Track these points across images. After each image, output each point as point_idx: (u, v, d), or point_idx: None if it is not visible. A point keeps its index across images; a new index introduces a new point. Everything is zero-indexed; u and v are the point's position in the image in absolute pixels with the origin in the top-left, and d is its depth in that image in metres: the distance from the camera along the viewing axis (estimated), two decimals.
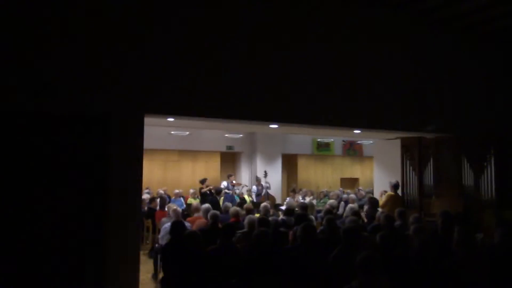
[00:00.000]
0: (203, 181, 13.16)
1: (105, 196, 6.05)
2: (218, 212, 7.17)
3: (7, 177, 5.63)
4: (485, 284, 4.25)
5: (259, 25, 7.34)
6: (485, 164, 9.28)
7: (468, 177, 9.48)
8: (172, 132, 14.44)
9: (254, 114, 7.45)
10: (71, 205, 5.90)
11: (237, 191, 13.65)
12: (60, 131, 5.91)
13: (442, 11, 8.48)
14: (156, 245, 8.10)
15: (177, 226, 5.54)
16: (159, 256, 6.98)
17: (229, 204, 8.91)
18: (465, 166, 9.52)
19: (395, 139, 10.95)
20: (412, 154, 10.26)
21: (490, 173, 9.20)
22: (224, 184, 13.61)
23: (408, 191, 10.29)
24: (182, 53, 6.71)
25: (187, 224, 7.04)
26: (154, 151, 15.09)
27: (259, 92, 7.31)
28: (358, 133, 10.26)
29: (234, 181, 13.80)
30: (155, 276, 7.74)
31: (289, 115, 7.72)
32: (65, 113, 5.90)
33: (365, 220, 9.13)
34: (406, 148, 10.39)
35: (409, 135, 10.06)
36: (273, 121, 8.11)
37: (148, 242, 10.19)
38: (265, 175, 13.45)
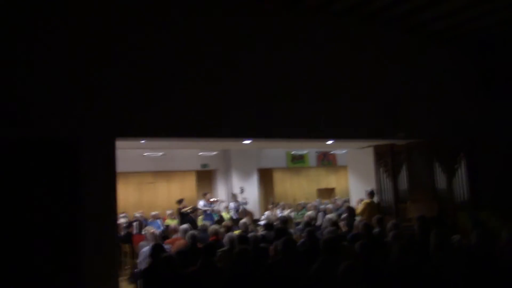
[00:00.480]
0: (180, 201, 13.03)
1: (80, 223, 5.93)
2: (195, 232, 7.09)
3: None
4: (464, 285, 4.32)
5: (230, 44, 7.39)
6: (456, 167, 9.49)
7: (441, 181, 9.67)
8: (145, 154, 14.28)
9: (227, 132, 7.46)
10: (44, 232, 5.75)
11: (215, 208, 13.56)
12: (30, 156, 5.78)
13: (411, 18, 8.64)
14: (136, 269, 7.95)
15: (157, 249, 5.46)
16: (139, 281, 6.84)
17: (207, 223, 8.85)
18: (437, 170, 9.72)
19: (368, 147, 11.10)
20: (386, 161, 10.42)
21: (461, 175, 9.41)
22: (201, 203, 13.50)
23: (384, 197, 10.42)
24: (153, 74, 6.69)
25: (166, 246, 6.94)
26: (128, 174, 14.87)
27: (231, 110, 7.33)
28: (331, 143, 10.37)
29: (211, 199, 13.69)
30: None
31: (262, 131, 7.75)
32: (35, 138, 5.78)
33: (344, 229, 9.19)
34: (379, 156, 10.55)
35: (381, 143, 10.22)
36: (246, 137, 8.14)
37: (127, 267, 9.99)
38: (241, 191, 13.42)
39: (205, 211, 12.83)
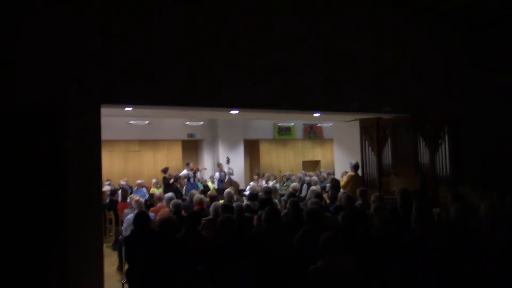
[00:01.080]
0: (165, 170, 13.03)
1: (64, 190, 5.92)
2: (179, 201, 7.12)
3: None
4: (443, 257, 4.43)
5: (219, 12, 7.28)
6: (440, 141, 9.61)
7: (424, 155, 9.79)
8: (131, 122, 14.18)
9: (214, 101, 7.42)
10: (30, 200, 5.73)
11: (198, 176, 13.59)
12: (14, 124, 5.70)
13: None
14: (120, 236, 8.00)
15: (141, 217, 5.47)
16: (123, 248, 6.89)
17: (194, 191, 8.88)
18: (421, 144, 9.83)
19: (354, 120, 11.15)
20: (371, 135, 10.49)
21: (444, 150, 9.54)
22: (184, 172, 13.53)
23: (368, 171, 10.53)
24: (139, 41, 6.58)
25: (151, 214, 6.96)
26: (113, 142, 14.81)
27: (218, 79, 7.28)
28: (318, 116, 10.38)
29: (193, 168, 13.69)
30: (120, 268, 7.65)
31: (248, 101, 7.73)
32: (18, 106, 5.69)
33: (328, 201, 9.31)
34: (365, 129, 10.60)
35: (367, 117, 10.27)
36: (233, 107, 8.11)
37: (111, 234, 10.04)
38: (228, 161, 13.45)
39: (188, 180, 12.86)
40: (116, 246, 8.55)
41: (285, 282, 4.06)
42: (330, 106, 8.72)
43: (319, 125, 18.86)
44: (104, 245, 6.91)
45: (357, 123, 10.84)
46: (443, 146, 9.57)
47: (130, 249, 5.39)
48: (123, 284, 5.61)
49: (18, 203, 5.66)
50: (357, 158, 10.56)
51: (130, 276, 5.10)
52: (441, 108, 9.76)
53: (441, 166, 9.55)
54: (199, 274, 4.50)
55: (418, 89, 9.64)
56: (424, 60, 9.81)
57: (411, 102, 9.60)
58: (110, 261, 8.00)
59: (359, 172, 10.14)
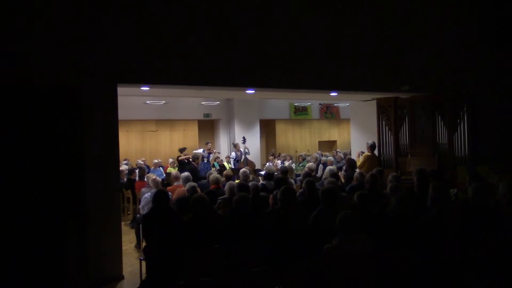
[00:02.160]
0: (182, 150, 13.10)
1: (82, 169, 6.01)
2: (195, 184, 7.15)
3: None
4: (459, 237, 4.40)
5: None
6: (459, 121, 9.46)
7: (442, 135, 9.67)
8: (148, 102, 14.24)
9: (230, 80, 7.40)
10: (48, 178, 5.84)
11: (211, 158, 13.63)
12: (32, 103, 5.78)
13: None
14: (137, 215, 8.11)
15: (160, 195, 5.52)
16: (140, 226, 6.99)
17: (212, 171, 8.92)
18: (439, 124, 9.70)
19: (371, 100, 11.03)
20: (388, 115, 10.38)
21: (463, 130, 9.40)
22: (199, 151, 13.58)
23: (385, 151, 10.46)
24: (155, 20, 6.56)
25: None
26: (130, 121, 14.91)
27: (235, 58, 7.25)
28: (335, 95, 10.29)
29: (210, 149, 13.74)
30: (138, 245, 7.78)
31: (266, 80, 7.69)
32: (36, 85, 5.76)
33: (343, 181, 9.28)
34: (382, 109, 10.50)
35: (385, 96, 10.15)
36: (250, 86, 8.07)
37: (129, 212, 10.19)
38: (244, 141, 13.45)
39: (202, 160, 12.91)
40: (134, 224, 8.68)
41: (300, 261, 4.08)
42: (347, 85, 8.64)
43: (335, 105, 18.71)
44: (122, 223, 7.03)
45: (374, 102, 10.73)
46: (461, 125, 9.43)
47: (148, 227, 5.46)
48: (140, 261, 5.71)
49: (37, 182, 5.78)
50: (373, 138, 10.48)
51: (147, 254, 5.18)
52: (460, 87, 9.59)
53: (459, 146, 9.43)
54: (215, 252, 4.55)
55: (437, 67, 9.48)
56: (443, 38, 9.61)
57: (429, 81, 9.46)
58: (128, 239, 8.13)
59: (376, 152, 10.07)
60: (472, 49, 9.98)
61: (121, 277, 6.27)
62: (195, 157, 12.28)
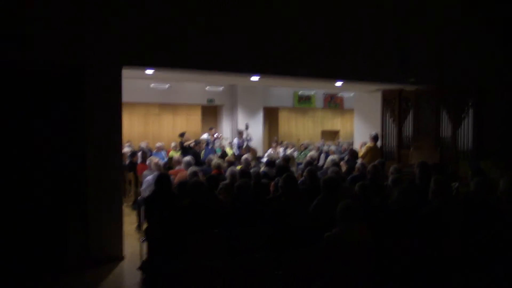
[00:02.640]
0: (182, 135, 13.11)
1: (85, 150, 6.03)
2: (197, 168, 7.17)
3: None
4: (460, 230, 4.42)
5: None
6: (463, 116, 9.44)
7: (446, 129, 9.65)
8: (152, 85, 14.22)
9: (235, 66, 7.38)
10: (51, 159, 5.86)
11: (217, 144, 13.64)
12: (36, 85, 5.79)
13: None
14: (139, 197, 8.15)
15: (162, 178, 5.55)
16: (142, 208, 7.04)
17: (212, 156, 8.94)
18: (444, 118, 9.67)
19: (376, 91, 10.99)
20: (392, 107, 10.35)
21: (467, 124, 9.37)
22: (204, 136, 13.59)
23: (387, 142, 10.45)
24: (162, 3, 6.53)
25: None
26: (134, 104, 14.91)
27: (240, 44, 7.21)
28: (339, 85, 10.25)
29: (215, 135, 13.75)
30: (139, 227, 7.83)
31: (270, 67, 7.66)
32: (41, 67, 5.75)
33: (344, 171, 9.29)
34: (387, 101, 10.47)
35: (390, 87, 10.11)
36: (255, 73, 8.05)
37: (130, 194, 10.24)
38: (247, 127, 13.43)
39: (207, 145, 12.92)
40: (135, 206, 8.73)
41: (300, 248, 4.11)
42: (352, 75, 8.60)
43: (339, 94, 18.66)
44: (124, 204, 7.06)
45: (378, 94, 10.70)
46: (466, 120, 9.40)
47: (149, 209, 5.49)
48: (141, 242, 5.75)
49: (39, 163, 5.80)
50: (377, 130, 10.47)
51: (148, 235, 5.22)
52: (466, 81, 9.54)
53: (462, 141, 9.42)
54: (215, 236, 4.58)
55: (444, 60, 9.41)
56: (450, 30, 9.53)
57: (435, 74, 9.40)
58: (129, 220, 8.19)
59: (378, 143, 10.06)
60: (480, 42, 9.89)
61: (122, 258, 6.32)
62: (197, 142, 12.29)
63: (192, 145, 12.33)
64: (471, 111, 9.34)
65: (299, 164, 11.14)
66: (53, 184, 5.89)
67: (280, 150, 14.04)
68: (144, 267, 5.38)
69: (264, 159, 11.10)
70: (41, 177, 5.81)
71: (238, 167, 7.72)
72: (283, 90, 17.22)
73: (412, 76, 9.02)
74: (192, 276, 3.74)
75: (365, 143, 11.01)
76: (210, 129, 13.82)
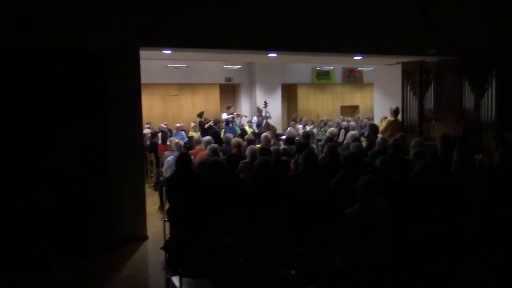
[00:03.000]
0: (200, 115, 13.15)
1: (107, 132, 6.09)
2: (217, 145, 7.21)
3: (5, 114, 5.64)
4: (484, 203, 4.35)
5: None
6: (486, 86, 9.21)
7: (468, 100, 9.45)
8: (170, 66, 14.22)
9: (253, 43, 7.31)
10: (73, 142, 5.94)
11: (237, 123, 13.66)
12: (55, 68, 5.84)
13: None
14: (160, 178, 8.25)
15: (183, 158, 5.57)
16: (164, 188, 7.12)
17: (230, 135, 8.95)
18: (466, 89, 9.47)
19: (396, 64, 10.80)
20: (413, 79, 10.17)
21: (490, 95, 9.16)
22: (224, 116, 13.61)
23: (408, 116, 10.30)
24: None
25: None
26: (153, 85, 14.96)
27: (257, 21, 7.12)
28: (358, 59, 10.09)
29: (234, 113, 13.76)
30: (161, 207, 7.94)
31: (288, 43, 7.57)
32: (59, 48, 5.79)
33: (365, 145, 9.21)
34: (407, 73, 10.28)
35: (410, 59, 9.91)
36: (272, 49, 7.97)
37: (152, 175, 10.36)
38: (265, 105, 13.38)
39: (227, 124, 12.95)
40: (157, 186, 8.84)
41: (321, 224, 4.11)
42: (372, 48, 8.44)
43: (359, 69, 18.39)
44: (146, 185, 7.15)
45: (398, 66, 10.50)
46: (489, 90, 9.18)
47: (171, 189, 5.54)
48: (164, 222, 5.84)
49: (63, 144, 5.89)
50: (397, 103, 10.31)
51: (171, 215, 5.29)
52: (489, 50, 9.27)
53: (486, 112, 9.22)
54: (237, 214, 4.61)
55: (465, 30, 9.14)
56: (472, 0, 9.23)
57: (457, 44, 9.16)
58: (152, 201, 8.31)
59: (399, 117, 9.93)
60: (502, 11, 9.56)
61: (145, 237, 6.44)
62: (217, 121, 12.32)
63: (211, 124, 12.38)
64: (494, 81, 9.10)
65: (319, 140, 11.09)
66: (76, 167, 5.99)
67: (300, 127, 13.98)
68: (167, 246, 5.48)
69: (284, 137, 11.08)
70: (64, 160, 5.90)
71: (258, 146, 7.72)
72: (301, 66, 17.04)
73: (433, 47, 8.81)
74: (215, 255, 3.78)
75: (385, 118, 10.88)
76: (228, 108, 13.83)
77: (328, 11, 7.75)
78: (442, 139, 6.23)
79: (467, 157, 4.62)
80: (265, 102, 13.55)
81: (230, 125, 13.02)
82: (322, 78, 18.21)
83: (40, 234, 5.67)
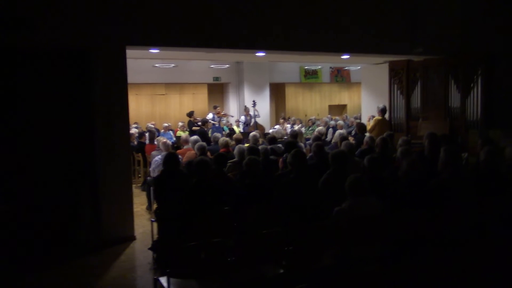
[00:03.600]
0: (190, 114, 13.12)
1: (93, 131, 6.03)
2: (205, 144, 7.19)
3: None
4: (470, 200, 4.39)
5: None
6: (472, 85, 9.31)
7: (454, 99, 9.54)
8: (157, 65, 14.15)
9: (240, 42, 7.29)
10: (59, 141, 5.87)
11: (224, 122, 13.65)
12: (41, 66, 5.76)
13: None
14: (148, 177, 8.20)
15: (171, 158, 5.54)
16: (151, 188, 7.08)
17: (218, 134, 8.93)
18: (452, 88, 9.55)
19: (383, 63, 10.85)
20: (400, 78, 10.24)
21: (476, 93, 9.25)
22: (209, 116, 13.58)
23: (396, 115, 10.37)
24: None
25: None
26: (140, 85, 14.88)
27: (245, 20, 7.11)
28: (346, 58, 10.13)
29: (221, 113, 13.74)
30: (149, 207, 7.89)
31: (275, 42, 7.56)
32: (46, 48, 5.71)
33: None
34: (394, 72, 10.34)
35: (397, 59, 9.97)
36: (259, 49, 7.96)
37: (140, 175, 10.30)
38: (254, 104, 13.37)
39: (213, 124, 12.94)
40: (145, 187, 8.78)
41: (310, 223, 4.11)
42: (359, 47, 8.47)
43: (346, 68, 18.48)
44: (133, 185, 7.10)
45: (386, 66, 10.57)
46: (475, 89, 9.27)
47: (159, 189, 5.51)
48: (152, 222, 5.80)
49: (48, 144, 5.82)
50: (384, 102, 10.38)
51: (158, 215, 5.25)
52: (476, 49, 9.35)
53: (471, 110, 9.31)
54: (225, 214, 4.59)
55: (452, 29, 9.22)
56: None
57: (444, 43, 9.23)
58: (140, 201, 8.26)
59: (386, 116, 9.99)
60: (488, 11, 9.65)
61: (133, 238, 6.39)
62: (204, 121, 12.30)
63: (198, 124, 12.36)
64: (479, 80, 9.20)
65: (307, 139, 11.11)
66: (62, 167, 5.92)
67: (288, 126, 14.00)
68: (155, 246, 5.44)
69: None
70: (50, 160, 5.83)
71: (246, 145, 7.71)
72: (289, 65, 17.07)
73: (420, 46, 8.87)
74: (203, 254, 3.76)
75: (373, 116, 10.94)
76: (215, 107, 13.79)
77: (317, 10, 7.76)
78: (429, 138, 6.27)
79: (454, 156, 4.65)
80: (253, 101, 13.55)
81: (217, 125, 13.00)
82: (310, 77, 18.26)
83: (25, 234, 5.60)
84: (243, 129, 13.55)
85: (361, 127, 9.31)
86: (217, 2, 6.84)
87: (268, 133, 13.04)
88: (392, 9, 8.59)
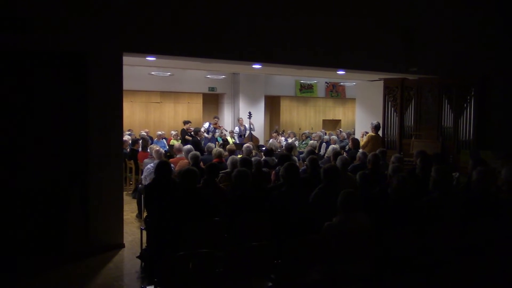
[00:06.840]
0: (186, 122, 13.10)
1: (86, 136, 6.01)
2: (198, 153, 7.18)
3: None
4: (460, 219, 4.41)
5: None
6: (465, 105, 9.39)
7: (448, 118, 9.62)
8: (153, 73, 14.17)
9: (237, 54, 7.33)
10: (51, 145, 5.84)
11: (217, 134, 13.65)
12: (38, 69, 5.75)
13: None
14: (139, 185, 8.16)
15: (163, 166, 5.52)
16: (142, 196, 7.04)
17: (211, 144, 8.93)
18: (446, 107, 9.64)
19: (378, 80, 10.94)
20: (394, 96, 10.32)
21: (469, 114, 9.33)
22: (206, 124, 13.57)
23: (389, 132, 10.43)
24: None
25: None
26: (135, 92, 14.88)
27: (242, 32, 7.16)
28: (342, 74, 10.21)
29: (218, 125, 13.73)
30: (139, 215, 7.85)
31: (272, 55, 7.61)
32: (41, 51, 5.71)
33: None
34: (389, 90, 10.43)
35: (393, 76, 10.06)
36: (255, 61, 8.00)
37: (131, 182, 10.25)
38: (249, 116, 13.39)
39: (207, 133, 12.91)
40: (136, 194, 8.74)
41: (299, 237, 4.11)
42: (355, 64, 8.55)
43: (341, 83, 18.59)
44: (124, 193, 7.06)
45: (380, 83, 10.65)
46: (467, 110, 9.36)
47: (150, 197, 5.48)
48: (141, 230, 5.76)
49: (40, 147, 5.79)
50: (378, 119, 10.44)
51: (148, 224, 5.23)
52: (469, 70, 9.46)
53: (464, 130, 9.38)
54: (215, 224, 4.58)
55: (447, 50, 9.34)
56: (454, 21, 9.44)
57: (438, 63, 9.34)
58: (130, 209, 8.21)
59: (380, 133, 10.04)
60: (482, 32, 9.79)
61: (122, 246, 6.34)
62: (197, 131, 12.29)
63: (191, 133, 12.34)
64: (472, 101, 9.29)
65: (300, 153, 11.14)
66: (53, 171, 5.88)
67: (282, 139, 14.03)
68: (143, 255, 5.41)
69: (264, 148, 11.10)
70: (41, 164, 5.79)
71: (239, 156, 7.71)
72: (285, 78, 17.16)
73: (415, 66, 8.96)
74: (192, 265, 3.74)
75: (366, 132, 10.99)
76: (214, 117, 13.80)
77: (314, 26, 7.83)
78: (420, 156, 6.31)
79: (445, 175, 4.68)
80: (249, 112, 13.56)
81: (210, 135, 12.98)
82: (305, 91, 18.35)
83: (12, 240, 5.54)
84: (237, 140, 13.55)
85: (355, 143, 9.36)
86: (216, 13, 6.89)
87: (262, 145, 13.08)
88: (389, 29, 8.69)
